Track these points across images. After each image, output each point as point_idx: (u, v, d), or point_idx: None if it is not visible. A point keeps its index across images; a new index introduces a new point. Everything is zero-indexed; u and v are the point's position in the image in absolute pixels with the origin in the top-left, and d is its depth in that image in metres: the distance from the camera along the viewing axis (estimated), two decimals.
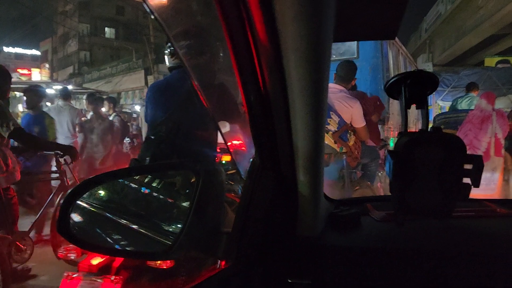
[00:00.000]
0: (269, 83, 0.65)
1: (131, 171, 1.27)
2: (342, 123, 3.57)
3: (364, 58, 5.87)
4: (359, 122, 3.68)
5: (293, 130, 0.71)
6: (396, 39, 7.53)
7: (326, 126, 3.37)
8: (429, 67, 18.57)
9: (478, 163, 0.63)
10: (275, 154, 0.79)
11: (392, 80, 0.74)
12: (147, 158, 2.00)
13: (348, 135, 3.65)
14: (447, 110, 10.77)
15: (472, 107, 5.40)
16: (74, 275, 1.97)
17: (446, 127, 5.62)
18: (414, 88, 0.74)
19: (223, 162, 3.65)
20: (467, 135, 4.76)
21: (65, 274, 1.99)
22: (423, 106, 0.74)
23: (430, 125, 0.68)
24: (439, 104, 11.59)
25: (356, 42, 5.97)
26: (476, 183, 0.64)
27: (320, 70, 0.62)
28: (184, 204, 1.19)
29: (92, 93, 8.39)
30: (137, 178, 1.29)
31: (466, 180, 0.64)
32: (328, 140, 3.55)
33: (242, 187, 0.88)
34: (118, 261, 2.00)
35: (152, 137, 2.05)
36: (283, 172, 0.83)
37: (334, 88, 3.73)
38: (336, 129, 3.57)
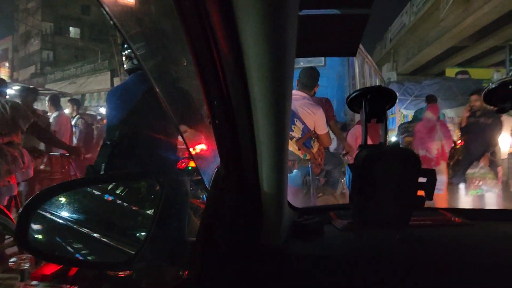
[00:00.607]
0: (233, 95, 0.65)
1: (89, 182, 1.24)
2: (306, 130, 3.62)
3: (331, 66, 5.99)
4: (322, 129, 3.72)
5: (257, 140, 0.72)
6: (362, 48, 7.71)
7: (290, 133, 3.41)
8: (393, 76, 19.11)
9: (431, 177, 0.66)
10: (240, 163, 0.80)
11: (353, 94, 0.77)
12: (103, 165, 1.94)
13: (312, 142, 3.69)
14: (410, 118, 11.14)
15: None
16: (26, 286, 1.89)
17: (408, 135, 5.94)
18: (374, 103, 0.76)
19: (189, 168, 3.62)
20: (421, 143, 5.19)
21: (17, 285, 1.92)
22: (383, 121, 0.77)
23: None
24: (402, 112, 11.95)
25: None
26: (430, 196, 0.67)
27: (282, 83, 0.63)
28: (149, 211, 1.17)
29: (55, 95, 8.14)
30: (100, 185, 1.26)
31: (421, 193, 0.68)
32: (292, 147, 3.58)
33: (207, 196, 0.88)
34: (73, 269, 1.93)
35: (108, 142, 2.00)
36: (248, 181, 0.83)
37: (297, 95, 3.75)
38: (300, 136, 3.61)
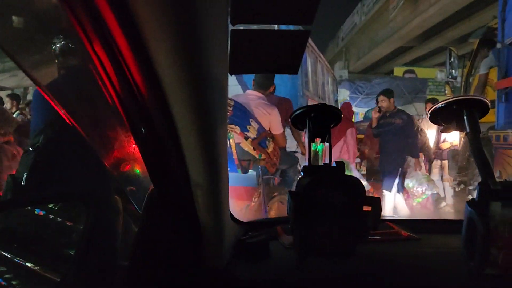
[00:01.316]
0: (156, 114, 0.58)
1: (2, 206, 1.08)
2: (261, 130, 3.59)
3: None
4: (278, 129, 3.68)
5: (186, 153, 0.64)
6: (314, 46, 7.81)
7: (246, 133, 3.37)
8: (345, 74, 19.61)
9: (376, 205, 0.63)
10: (172, 181, 0.72)
11: (297, 112, 0.73)
12: (25, 174, 1.70)
13: (267, 141, 3.68)
14: (360, 116, 11.49)
15: None
16: None
17: (359, 133, 6.07)
18: (318, 121, 0.73)
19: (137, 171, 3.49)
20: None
21: None
22: (327, 139, 0.73)
23: None
24: (353, 110, 12.30)
25: None
26: (375, 225, 0.64)
27: (212, 98, 0.58)
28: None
29: None
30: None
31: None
32: (247, 147, 3.55)
33: (140, 221, 0.80)
34: None
35: (30, 148, 1.78)
36: (182, 199, 0.76)
37: (252, 95, 3.71)
38: (255, 136, 3.58)
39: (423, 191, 4.93)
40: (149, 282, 0.79)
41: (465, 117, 0.68)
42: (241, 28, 0.50)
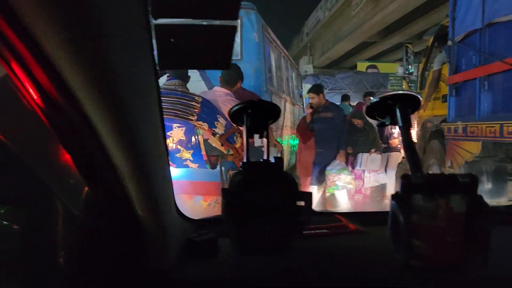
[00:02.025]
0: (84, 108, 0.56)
1: None
2: (229, 126, 3.59)
3: (247, 60, 5.98)
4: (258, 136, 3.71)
5: (114, 154, 0.63)
6: (278, 42, 7.82)
7: (214, 129, 3.37)
8: (310, 69, 19.86)
9: (308, 200, 0.64)
10: (105, 181, 0.70)
11: (234, 108, 0.73)
12: None
13: (235, 137, 3.69)
14: None
15: (346, 112, 6.34)
16: None
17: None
18: (256, 117, 0.73)
19: None
20: None
21: None
22: (264, 136, 0.73)
23: None
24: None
25: (240, 43, 6.05)
26: (307, 220, 0.65)
27: (139, 96, 0.56)
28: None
29: None
30: None
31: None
32: (215, 143, 3.56)
33: (76, 223, 0.77)
34: None
35: None
36: (118, 199, 0.73)
37: (219, 92, 3.72)
38: (223, 132, 3.59)
39: (334, 181, 5.03)
40: (88, 285, 0.76)
41: (397, 111, 0.69)
42: (165, 22, 0.49)
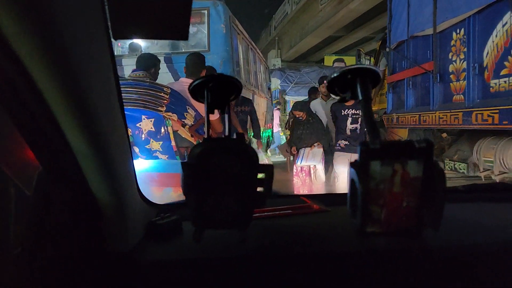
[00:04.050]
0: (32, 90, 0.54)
1: None
2: (198, 116, 3.55)
3: (215, 51, 5.95)
4: (213, 115, 3.68)
5: (71, 141, 0.62)
6: (246, 34, 7.81)
7: (183, 120, 3.34)
8: (278, 63, 19.93)
9: (269, 172, 0.64)
10: (60, 161, 0.68)
11: (195, 83, 0.71)
12: None
13: (205, 128, 3.64)
14: (291, 103, 11.80)
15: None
16: None
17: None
18: (216, 92, 0.71)
19: None
20: None
21: None
22: (226, 111, 0.72)
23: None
24: (284, 98, 12.58)
25: (207, 34, 5.99)
26: (268, 192, 0.65)
27: (93, 67, 0.55)
28: None
29: None
30: None
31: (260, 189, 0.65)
32: (185, 134, 3.52)
33: (30, 205, 0.74)
34: None
35: None
36: (75, 181, 0.72)
37: (186, 83, 3.65)
38: (193, 123, 3.55)
39: None
40: (44, 269, 0.74)
41: (358, 85, 0.70)
42: None
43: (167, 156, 3.15)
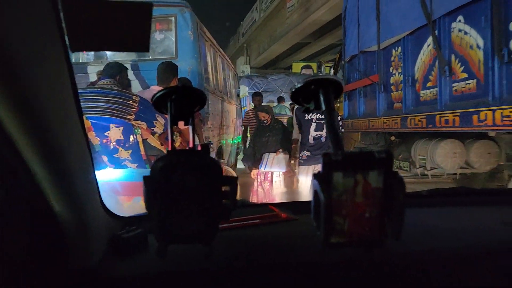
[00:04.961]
0: None
1: None
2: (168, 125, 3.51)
3: (183, 58, 5.90)
4: (183, 124, 3.65)
5: (26, 155, 0.59)
6: (214, 41, 7.80)
7: (152, 128, 3.29)
8: (247, 69, 20.03)
9: (233, 184, 0.64)
10: (22, 176, 0.65)
11: (158, 94, 0.70)
12: None
13: (174, 136, 3.60)
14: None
15: (282, 112, 8.07)
16: None
17: None
18: (180, 104, 0.71)
19: None
20: None
21: None
22: (190, 123, 0.71)
23: None
24: (252, 105, 12.69)
25: (174, 41, 5.96)
26: (233, 204, 0.64)
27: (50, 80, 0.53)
28: None
29: None
30: None
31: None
32: (154, 142, 3.49)
33: None
34: None
35: None
36: (34, 197, 0.69)
37: (156, 91, 3.63)
38: (162, 131, 3.52)
39: None
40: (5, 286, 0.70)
41: (321, 95, 0.70)
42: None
43: (136, 165, 3.12)
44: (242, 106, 11.32)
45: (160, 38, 6.07)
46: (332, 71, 8.87)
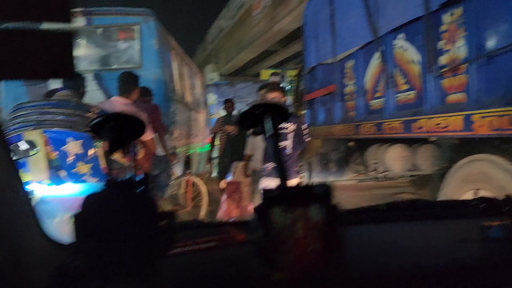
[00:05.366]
0: None
1: None
2: None
3: (147, 67, 5.81)
4: (147, 135, 3.54)
5: None
6: (180, 49, 7.79)
7: None
8: (215, 77, 20.01)
9: (172, 217, 0.63)
10: None
11: (95, 121, 0.69)
12: None
13: (137, 148, 3.56)
14: None
15: None
16: None
17: None
18: (118, 131, 0.69)
19: None
20: None
21: None
22: (130, 151, 0.72)
23: None
24: (220, 114, 12.77)
25: (139, 50, 5.88)
26: (171, 239, 0.64)
27: None
28: None
29: None
30: None
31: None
32: (116, 155, 3.43)
33: None
34: None
35: None
36: None
37: (117, 102, 3.59)
38: None
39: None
40: None
41: (265, 121, 0.70)
42: None
43: (97, 179, 3.02)
44: (210, 114, 11.31)
45: (124, 47, 5.99)
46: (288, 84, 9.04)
